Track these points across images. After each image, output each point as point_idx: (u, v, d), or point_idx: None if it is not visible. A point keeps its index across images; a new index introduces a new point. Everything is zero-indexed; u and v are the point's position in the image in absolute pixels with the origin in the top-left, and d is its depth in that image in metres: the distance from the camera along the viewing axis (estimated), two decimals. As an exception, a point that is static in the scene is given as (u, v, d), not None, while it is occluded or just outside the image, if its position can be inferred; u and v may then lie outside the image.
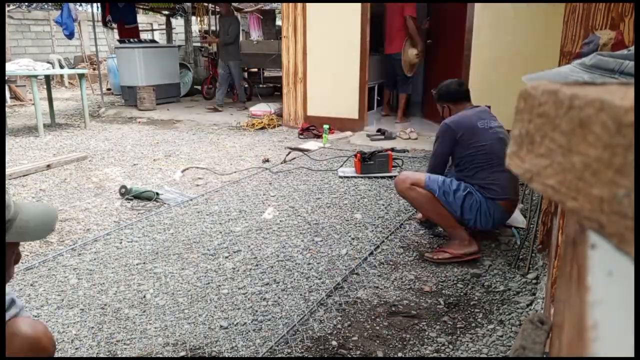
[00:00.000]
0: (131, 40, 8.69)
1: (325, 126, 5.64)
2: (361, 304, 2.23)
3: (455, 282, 2.43)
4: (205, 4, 11.10)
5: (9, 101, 9.17)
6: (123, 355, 1.88)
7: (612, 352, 0.26)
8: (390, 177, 4.03)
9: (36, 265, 2.60)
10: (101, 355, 1.89)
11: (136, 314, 2.15)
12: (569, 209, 0.27)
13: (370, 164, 4.07)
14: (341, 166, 4.48)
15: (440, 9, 6.05)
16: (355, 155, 4.17)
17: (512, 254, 2.74)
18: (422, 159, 4.88)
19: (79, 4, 11.42)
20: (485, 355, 1.89)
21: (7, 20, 12.44)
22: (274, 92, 9.65)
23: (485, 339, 1.98)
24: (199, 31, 13.16)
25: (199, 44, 12.32)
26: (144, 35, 11.55)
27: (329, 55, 6.24)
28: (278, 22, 14.74)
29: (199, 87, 9.77)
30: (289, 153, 4.99)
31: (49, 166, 4.51)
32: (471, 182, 2.66)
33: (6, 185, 1.21)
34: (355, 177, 4.22)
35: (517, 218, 3.22)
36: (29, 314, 1.30)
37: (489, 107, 2.93)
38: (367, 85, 6.15)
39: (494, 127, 2.72)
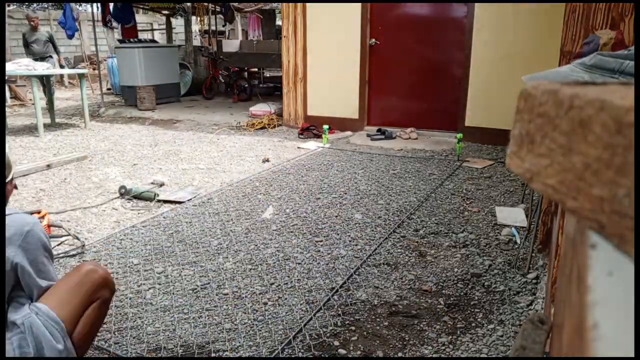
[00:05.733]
0: (131, 40, 8.70)
1: (325, 126, 5.65)
2: (361, 304, 2.23)
3: (455, 282, 2.43)
4: (205, 4, 11.09)
5: (9, 101, 9.17)
6: (123, 355, 1.88)
7: (612, 352, 0.26)
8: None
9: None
10: (101, 355, 1.89)
11: (136, 314, 2.15)
12: (569, 209, 0.27)
13: None
14: None
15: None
16: None
17: (512, 253, 2.74)
18: (421, 159, 4.89)
19: (79, 4, 11.42)
20: (485, 355, 1.89)
21: (7, 20, 12.44)
22: (274, 92, 9.66)
23: (485, 338, 1.98)
24: (199, 31, 13.17)
25: (199, 44, 12.33)
26: (144, 35, 11.56)
27: (329, 55, 6.24)
28: (278, 22, 14.74)
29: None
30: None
31: (49, 166, 4.51)
32: None
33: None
34: (356, 176, 4.22)
35: (518, 217, 3.23)
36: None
37: None
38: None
39: None
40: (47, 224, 2.78)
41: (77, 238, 2.83)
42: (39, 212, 2.78)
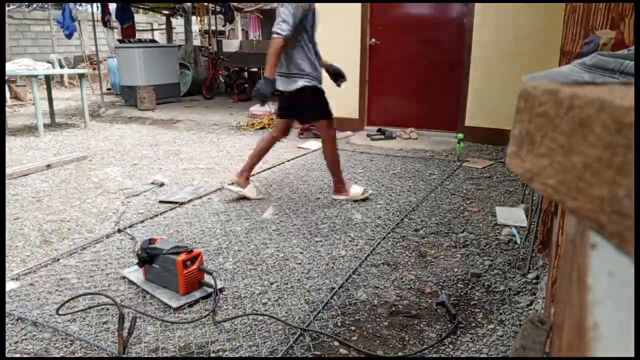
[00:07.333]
0: (131, 40, 8.70)
1: (326, 126, 5.64)
2: (361, 304, 2.23)
3: (455, 282, 2.44)
4: (205, 4, 11.10)
5: (9, 101, 9.17)
6: (125, 356, 1.88)
7: (612, 352, 0.26)
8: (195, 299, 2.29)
9: (36, 265, 2.60)
10: (102, 356, 1.89)
11: (138, 315, 2.15)
12: (569, 209, 0.27)
13: (155, 268, 2.35)
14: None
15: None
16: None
17: (512, 253, 2.74)
18: (421, 159, 4.88)
19: (78, 4, 11.42)
20: (485, 355, 1.89)
21: (7, 20, 12.44)
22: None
23: (486, 338, 1.98)
24: (199, 31, 13.17)
25: (199, 44, 12.32)
26: (144, 35, 11.56)
27: (328, 55, 6.20)
28: (278, 22, 14.71)
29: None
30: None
31: (49, 166, 4.52)
32: None
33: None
34: (356, 176, 4.22)
35: (518, 217, 3.23)
36: None
37: None
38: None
39: None
40: (198, 267, 2.30)
41: (221, 290, 2.34)
42: (191, 252, 2.31)
